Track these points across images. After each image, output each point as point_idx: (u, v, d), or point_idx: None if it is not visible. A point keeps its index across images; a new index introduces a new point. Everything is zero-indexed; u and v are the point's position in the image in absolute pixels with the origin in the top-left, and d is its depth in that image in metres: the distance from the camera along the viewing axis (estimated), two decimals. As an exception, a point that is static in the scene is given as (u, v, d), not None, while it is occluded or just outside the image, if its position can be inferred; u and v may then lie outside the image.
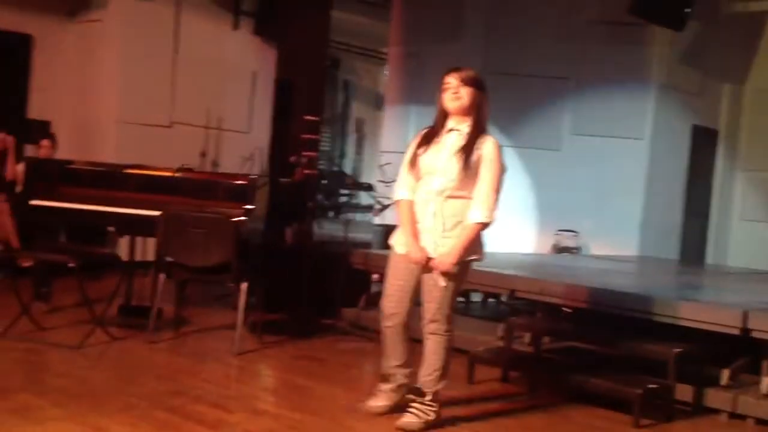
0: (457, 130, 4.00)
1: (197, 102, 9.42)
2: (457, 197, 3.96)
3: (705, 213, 10.70)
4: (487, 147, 3.96)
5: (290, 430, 3.90)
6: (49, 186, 6.00)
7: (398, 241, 4.13)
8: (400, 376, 4.21)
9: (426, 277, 4.03)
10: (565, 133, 9.82)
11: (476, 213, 3.94)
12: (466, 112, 3.99)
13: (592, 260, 8.21)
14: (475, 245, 4.02)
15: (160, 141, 8.98)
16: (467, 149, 3.93)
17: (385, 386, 4.22)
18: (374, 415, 4.16)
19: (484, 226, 3.97)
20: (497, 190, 3.97)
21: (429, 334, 4.06)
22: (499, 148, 3.99)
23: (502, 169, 3.99)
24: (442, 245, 3.97)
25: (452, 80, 3.98)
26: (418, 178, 4.05)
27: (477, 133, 3.97)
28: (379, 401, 4.21)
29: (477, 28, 10.14)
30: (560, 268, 6.95)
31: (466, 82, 3.96)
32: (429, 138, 4.05)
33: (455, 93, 3.96)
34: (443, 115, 4.05)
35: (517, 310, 6.75)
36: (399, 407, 4.16)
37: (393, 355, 4.19)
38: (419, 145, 4.07)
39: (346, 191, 14.07)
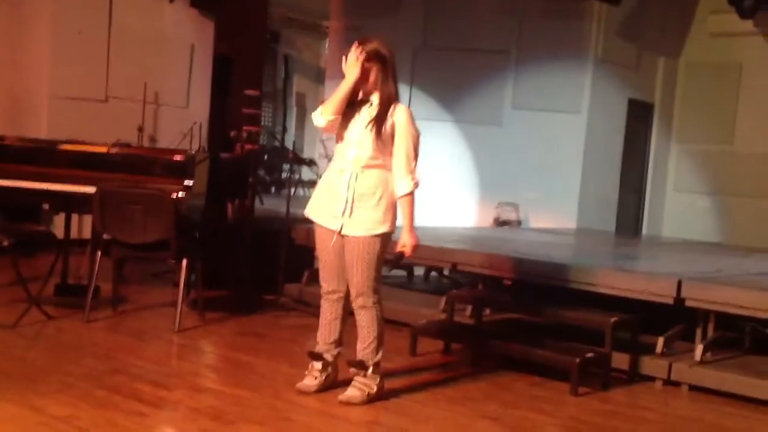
0: (370, 102, 4.04)
1: (133, 76, 9.21)
2: (373, 167, 4.00)
3: (640, 185, 10.93)
4: (398, 115, 4.01)
5: (233, 407, 3.88)
6: (-21, 163, 5.82)
7: (312, 208, 4.15)
8: (331, 354, 4.21)
9: (346, 252, 4.04)
10: (505, 107, 9.90)
11: (401, 185, 4.00)
12: (372, 86, 4.03)
13: (532, 233, 8.33)
14: (390, 216, 4.05)
15: (95, 116, 8.78)
16: (379, 120, 3.98)
17: (317, 365, 4.20)
18: (313, 392, 4.15)
19: (413, 193, 4.02)
20: (415, 155, 4.04)
21: (358, 308, 4.09)
22: (411, 114, 4.05)
23: (416, 134, 4.04)
24: (355, 216, 3.98)
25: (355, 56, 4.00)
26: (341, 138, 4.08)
27: (386, 104, 4.01)
28: (312, 381, 4.18)
29: (416, 2, 10.12)
30: (501, 241, 7.03)
31: (369, 57, 3.98)
32: (349, 110, 4.07)
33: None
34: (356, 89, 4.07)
35: (459, 283, 6.82)
36: (332, 385, 4.18)
37: (328, 331, 4.20)
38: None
39: (287, 166, 13.96)
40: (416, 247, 4.09)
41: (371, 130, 3.97)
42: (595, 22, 9.61)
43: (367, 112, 4.03)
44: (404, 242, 4.07)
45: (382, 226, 4.02)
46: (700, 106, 10.83)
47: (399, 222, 4.12)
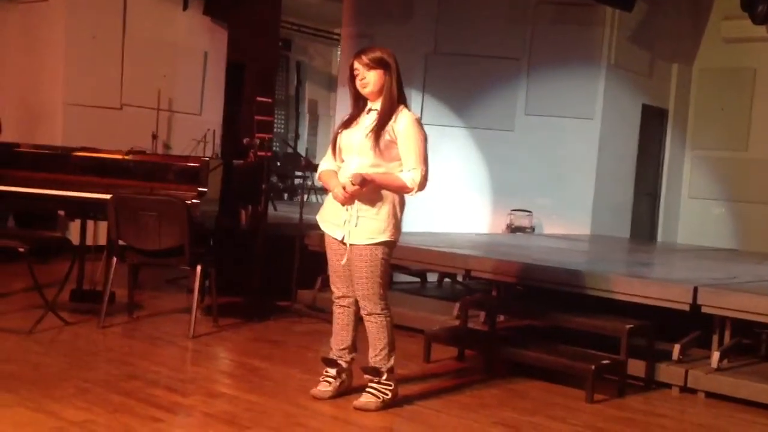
0: (375, 109, 4.04)
1: (147, 84, 9.26)
2: None
3: (655, 191, 10.89)
4: (400, 121, 3.97)
5: (246, 413, 3.88)
6: (-5, 170, 5.86)
7: (321, 218, 4.18)
8: (345, 360, 4.22)
9: (351, 260, 4.04)
10: (518, 113, 9.89)
11: (406, 174, 3.95)
12: (377, 94, 4.02)
13: (545, 239, 8.31)
14: (392, 225, 4.02)
15: (109, 123, 8.83)
16: (379, 127, 3.95)
17: (331, 371, 4.21)
18: (327, 398, 4.16)
19: (407, 189, 3.97)
20: (425, 160, 3.98)
21: (366, 315, 4.09)
22: (416, 119, 4.01)
23: (423, 138, 4.00)
24: (356, 225, 3.98)
25: (358, 66, 4.00)
26: (341, 160, 4.09)
27: (388, 110, 3.98)
28: (326, 387, 4.18)
29: (428, 8, 10.14)
30: (514, 247, 7.01)
31: (371, 65, 3.98)
32: (350, 121, 4.10)
33: (362, 79, 4.00)
34: (359, 98, 4.08)
35: (473, 289, 6.81)
36: (346, 391, 4.19)
37: (341, 337, 4.22)
38: (340, 127, 4.12)
39: (300, 173, 14.00)
40: (357, 182, 3.86)
41: (370, 138, 3.95)
42: (608, 28, 9.60)
43: (368, 120, 4.03)
44: (356, 176, 3.86)
45: (383, 234, 4.00)
46: (714, 113, 10.80)
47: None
